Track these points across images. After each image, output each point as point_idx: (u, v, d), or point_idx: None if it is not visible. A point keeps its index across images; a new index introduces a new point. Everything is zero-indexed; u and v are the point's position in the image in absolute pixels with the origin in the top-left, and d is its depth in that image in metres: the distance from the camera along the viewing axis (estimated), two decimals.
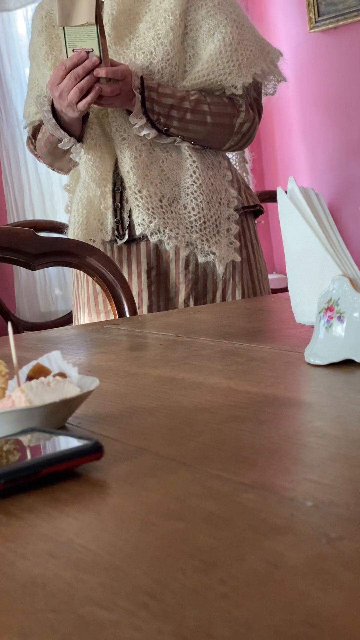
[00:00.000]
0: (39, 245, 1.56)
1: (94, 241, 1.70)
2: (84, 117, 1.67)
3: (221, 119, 1.69)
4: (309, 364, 0.80)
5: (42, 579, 0.38)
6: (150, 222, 1.66)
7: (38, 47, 1.78)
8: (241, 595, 0.34)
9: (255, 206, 1.84)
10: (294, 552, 0.38)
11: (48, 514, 0.46)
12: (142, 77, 1.62)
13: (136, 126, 1.63)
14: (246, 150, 1.92)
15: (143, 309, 1.73)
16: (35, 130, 1.85)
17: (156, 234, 1.67)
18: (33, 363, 0.72)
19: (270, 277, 4.27)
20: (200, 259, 1.70)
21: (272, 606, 0.33)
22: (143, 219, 1.65)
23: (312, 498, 0.44)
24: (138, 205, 1.65)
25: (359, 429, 0.58)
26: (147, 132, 1.64)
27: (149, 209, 1.65)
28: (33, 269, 1.60)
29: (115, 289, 1.57)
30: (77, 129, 1.68)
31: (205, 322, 1.28)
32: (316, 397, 0.70)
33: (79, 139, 1.69)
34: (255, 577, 0.36)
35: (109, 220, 1.70)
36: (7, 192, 3.69)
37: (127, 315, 1.56)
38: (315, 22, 4.07)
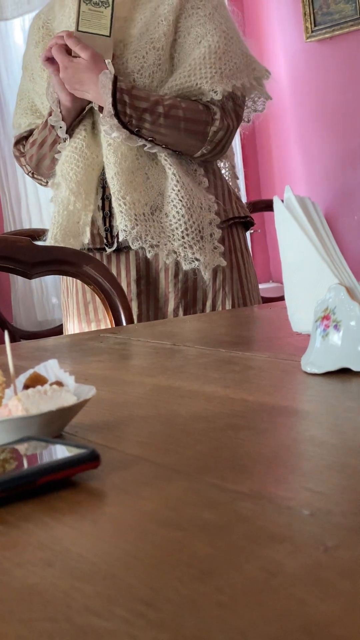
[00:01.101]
0: (36, 254, 1.57)
1: (73, 243, 1.70)
2: (77, 114, 1.69)
3: (194, 126, 1.68)
4: (305, 372, 0.80)
5: (39, 587, 0.38)
6: (133, 228, 1.65)
7: (35, 59, 1.78)
8: (238, 604, 0.34)
9: (246, 217, 1.84)
10: (291, 560, 0.38)
11: (45, 523, 0.46)
12: (115, 77, 1.61)
13: (105, 127, 1.63)
14: (236, 164, 1.92)
15: (133, 318, 1.72)
16: (29, 136, 1.84)
17: (137, 240, 1.66)
18: (30, 372, 0.72)
19: (266, 285, 4.25)
20: (185, 266, 1.69)
21: (269, 615, 0.33)
22: (126, 225, 1.65)
23: (309, 507, 0.44)
24: (121, 211, 1.65)
25: (355, 438, 0.58)
26: (117, 135, 1.63)
27: (131, 215, 1.65)
28: (30, 278, 1.60)
29: (111, 298, 1.57)
30: (67, 119, 1.69)
31: (201, 330, 1.28)
32: (313, 405, 0.70)
33: (67, 130, 1.70)
34: (252, 585, 0.36)
35: (88, 220, 1.70)
36: (4, 201, 3.70)
37: (124, 323, 1.56)
38: (312, 31, 4.08)
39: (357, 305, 0.77)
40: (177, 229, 1.67)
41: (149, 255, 1.68)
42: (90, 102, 1.68)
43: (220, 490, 0.49)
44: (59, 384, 0.69)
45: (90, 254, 1.73)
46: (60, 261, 1.59)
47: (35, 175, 1.87)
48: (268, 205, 3.36)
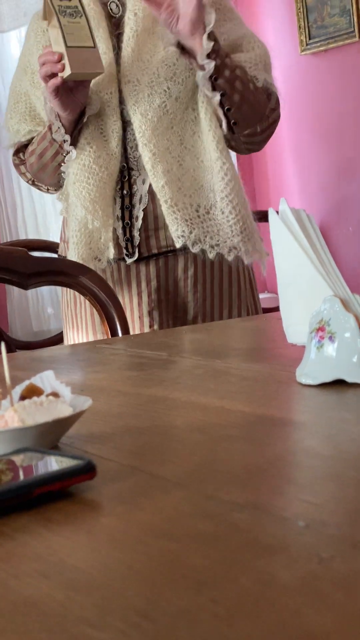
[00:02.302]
0: (32, 265, 1.57)
1: (100, 260, 1.67)
2: (77, 123, 1.67)
3: (260, 95, 1.70)
4: (300, 383, 0.80)
5: (35, 599, 0.38)
6: (191, 232, 1.64)
7: None
8: (233, 615, 0.34)
9: None
10: (286, 571, 0.38)
11: (40, 534, 0.46)
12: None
13: (207, 47, 1.59)
14: None
15: (155, 327, 1.71)
16: (29, 144, 1.82)
17: (197, 243, 1.66)
18: (26, 383, 0.72)
19: (262, 296, 4.28)
20: (247, 260, 1.68)
21: (264, 626, 0.33)
22: (183, 230, 1.64)
23: (304, 518, 0.44)
24: (176, 218, 1.64)
25: (350, 449, 0.58)
26: (209, 62, 1.60)
27: (186, 220, 1.64)
28: (26, 289, 1.60)
29: (107, 309, 1.57)
30: (69, 129, 1.66)
31: (197, 341, 1.28)
32: (308, 416, 0.71)
33: (71, 142, 1.68)
34: (247, 597, 0.36)
35: (110, 235, 1.67)
36: (0, 211, 3.70)
37: (120, 334, 1.56)
38: (307, 44, 4.10)
39: (351, 316, 0.78)
40: (235, 224, 1.66)
41: (211, 257, 1.67)
42: (84, 111, 1.66)
43: (215, 501, 0.49)
44: (55, 395, 0.69)
45: (111, 265, 1.71)
46: (56, 272, 1.59)
47: (35, 182, 1.86)
48: (263, 217, 3.37)
